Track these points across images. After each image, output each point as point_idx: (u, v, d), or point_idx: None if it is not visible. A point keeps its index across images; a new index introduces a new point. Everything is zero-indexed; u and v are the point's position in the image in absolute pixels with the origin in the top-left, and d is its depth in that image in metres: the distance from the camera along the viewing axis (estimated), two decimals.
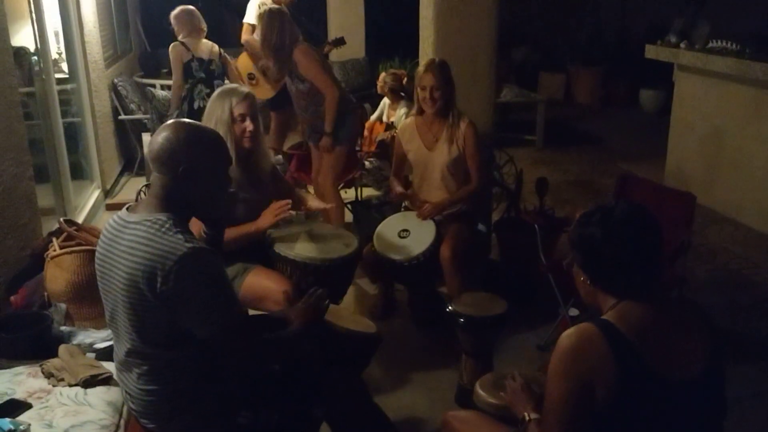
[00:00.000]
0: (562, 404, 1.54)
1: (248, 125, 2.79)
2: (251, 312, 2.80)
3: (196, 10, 5.19)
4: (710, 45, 5.31)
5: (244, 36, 5.67)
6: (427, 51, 4.04)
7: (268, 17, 4.08)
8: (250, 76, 5.74)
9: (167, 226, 1.75)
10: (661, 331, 1.57)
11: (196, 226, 2.08)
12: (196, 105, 5.00)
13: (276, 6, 4.58)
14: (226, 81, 5.16)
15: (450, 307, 2.93)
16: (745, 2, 7.31)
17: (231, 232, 2.72)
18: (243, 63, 5.75)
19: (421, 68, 3.50)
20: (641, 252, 1.58)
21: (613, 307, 1.61)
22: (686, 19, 5.61)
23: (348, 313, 2.86)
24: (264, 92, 5.75)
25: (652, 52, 5.91)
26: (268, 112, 5.96)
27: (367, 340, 2.56)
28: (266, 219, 2.79)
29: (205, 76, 5.09)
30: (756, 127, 4.97)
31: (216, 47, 5.21)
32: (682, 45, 5.55)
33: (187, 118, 2.56)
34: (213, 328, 1.75)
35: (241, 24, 5.70)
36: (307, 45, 4.17)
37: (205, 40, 5.17)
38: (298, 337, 2.04)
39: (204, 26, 5.17)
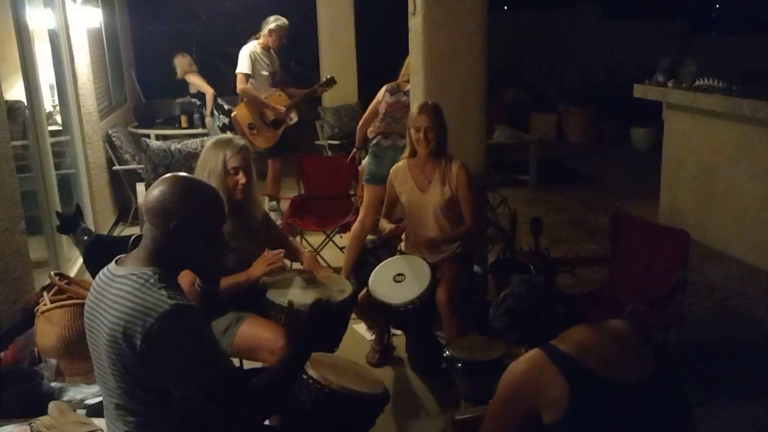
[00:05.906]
0: (503, 425, 1.68)
1: (241, 178, 2.79)
2: (247, 363, 2.75)
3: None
4: (697, 83, 5.38)
5: (240, 86, 5.74)
6: (417, 96, 4.07)
7: None
8: (251, 126, 5.79)
9: (152, 281, 1.71)
10: (601, 342, 1.71)
11: (186, 279, 2.04)
12: None
13: None
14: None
15: (447, 352, 2.89)
16: (731, 41, 7.45)
17: (222, 282, 2.69)
18: (242, 113, 5.80)
19: (414, 110, 3.53)
20: (546, 292, 1.82)
21: None
22: (673, 58, 5.69)
23: (352, 366, 2.65)
24: (264, 141, 5.82)
25: (640, 91, 5.97)
26: (264, 159, 6.00)
27: (373, 402, 2.37)
28: (258, 268, 2.78)
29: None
30: (747, 163, 5.00)
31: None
32: (669, 84, 5.61)
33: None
34: (193, 390, 1.67)
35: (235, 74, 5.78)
36: None
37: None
38: (289, 366, 1.86)
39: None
